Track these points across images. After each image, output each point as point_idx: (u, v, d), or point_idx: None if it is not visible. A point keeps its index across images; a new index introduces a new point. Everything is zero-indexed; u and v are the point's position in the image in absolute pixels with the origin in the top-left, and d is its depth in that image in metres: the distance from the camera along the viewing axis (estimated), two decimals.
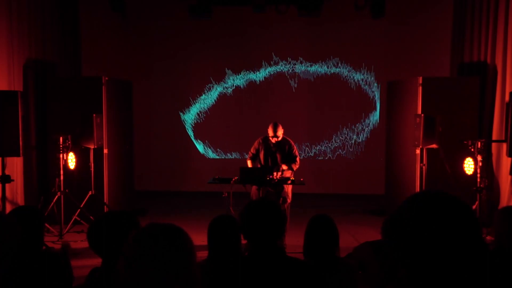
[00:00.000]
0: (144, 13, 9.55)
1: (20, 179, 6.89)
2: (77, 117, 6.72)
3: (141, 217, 7.49)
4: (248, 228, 2.45)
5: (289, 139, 6.39)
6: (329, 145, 9.70)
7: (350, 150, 9.70)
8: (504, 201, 6.90)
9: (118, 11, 8.71)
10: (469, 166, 6.57)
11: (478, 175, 6.30)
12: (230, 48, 9.65)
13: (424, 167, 6.87)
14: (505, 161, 6.88)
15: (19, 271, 2.79)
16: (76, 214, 6.61)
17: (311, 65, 9.64)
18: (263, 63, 9.69)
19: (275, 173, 6.09)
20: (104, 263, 2.34)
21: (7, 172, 6.14)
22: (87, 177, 6.87)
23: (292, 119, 9.42)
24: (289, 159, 6.30)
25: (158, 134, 9.81)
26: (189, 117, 9.86)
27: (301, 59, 9.64)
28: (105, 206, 7.03)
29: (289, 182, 6.09)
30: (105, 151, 7.20)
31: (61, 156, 6.48)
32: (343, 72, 9.60)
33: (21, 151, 6.09)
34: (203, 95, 9.80)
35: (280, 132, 6.22)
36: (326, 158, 9.72)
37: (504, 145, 6.68)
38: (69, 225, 6.56)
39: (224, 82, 9.76)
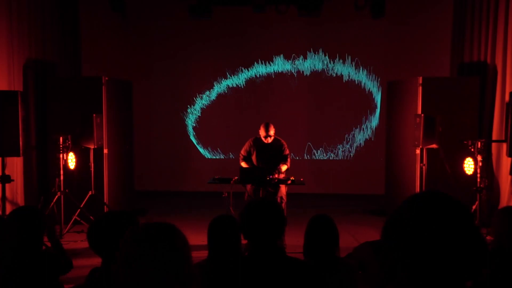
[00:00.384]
0: (144, 13, 9.55)
1: (20, 179, 6.89)
2: (77, 117, 6.72)
3: (141, 217, 7.51)
4: (248, 228, 2.45)
5: (281, 139, 6.39)
6: (329, 145, 9.70)
7: (350, 150, 9.70)
8: (504, 201, 6.90)
9: (118, 11, 8.71)
10: (469, 166, 6.57)
11: (478, 175, 6.30)
12: (230, 48, 9.64)
13: (424, 167, 6.87)
14: (505, 161, 6.88)
15: (19, 271, 2.79)
16: (76, 214, 6.61)
17: (311, 65, 9.64)
18: (263, 63, 9.69)
19: (276, 174, 6.09)
20: (104, 263, 2.34)
21: (7, 172, 6.15)
22: (87, 177, 6.87)
23: (292, 119, 9.43)
24: (282, 159, 6.30)
25: (158, 134, 9.81)
26: (189, 117, 9.86)
27: (301, 59, 9.64)
28: (105, 206, 7.03)
29: (289, 182, 6.09)
30: (105, 151, 7.20)
31: (61, 156, 6.48)
32: (343, 72, 9.59)
33: (21, 151, 6.09)
34: (203, 95, 9.80)
35: (272, 132, 6.22)
36: (326, 158, 9.72)
37: (504, 145, 6.68)
38: (69, 225, 6.56)
39: (224, 82, 9.76)
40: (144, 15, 9.58)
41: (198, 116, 9.84)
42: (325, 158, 9.71)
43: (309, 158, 9.69)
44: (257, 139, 6.36)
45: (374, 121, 9.59)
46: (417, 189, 7.09)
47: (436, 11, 8.97)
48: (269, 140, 6.23)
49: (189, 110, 9.84)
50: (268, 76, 9.69)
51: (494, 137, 7.19)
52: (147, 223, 1.54)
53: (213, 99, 9.78)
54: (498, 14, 7.11)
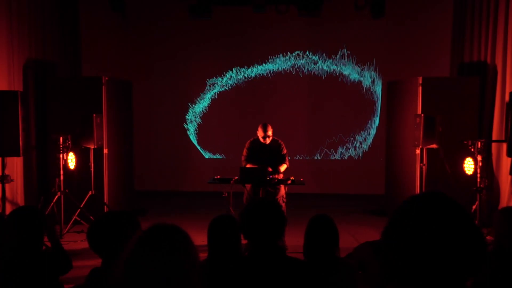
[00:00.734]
0: (144, 13, 9.55)
1: (20, 179, 6.89)
2: (77, 117, 6.71)
3: (141, 217, 7.50)
4: (248, 228, 2.44)
5: (278, 139, 6.38)
6: (329, 145, 9.70)
7: (350, 150, 9.69)
8: (504, 201, 6.90)
9: (118, 11, 8.71)
10: (469, 166, 6.56)
11: (478, 175, 6.30)
12: (230, 48, 9.64)
13: (424, 167, 6.87)
14: (505, 161, 6.88)
15: (19, 271, 2.79)
16: (76, 214, 6.60)
17: (311, 66, 9.64)
18: (263, 63, 9.68)
19: (276, 175, 6.08)
20: (104, 263, 2.34)
21: (7, 172, 6.15)
22: (87, 177, 6.87)
23: (292, 119, 9.43)
24: (280, 159, 6.29)
25: (158, 134, 9.81)
26: (189, 117, 9.85)
27: (301, 59, 9.64)
28: (105, 206, 7.03)
29: (289, 182, 6.08)
30: (105, 151, 7.20)
31: (61, 156, 6.48)
32: (343, 72, 9.59)
33: (21, 151, 6.09)
34: (203, 95, 9.80)
35: (271, 132, 6.19)
36: (326, 158, 9.72)
37: (504, 145, 6.68)
38: (69, 225, 6.56)
39: (224, 82, 9.76)
40: (144, 15, 9.58)
41: (198, 116, 9.84)
42: (325, 158, 9.71)
43: (309, 158, 9.69)
44: (255, 140, 6.33)
45: (374, 121, 9.58)
46: (417, 189, 7.09)
47: (436, 11, 8.97)
48: (268, 140, 6.21)
49: (189, 110, 9.83)
50: (268, 76, 9.69)
51: (494, 137, 7.19)
52: (153, 226, 1.50)
53: (213, 99, 9.77)
54: (498, 14, 7.11)
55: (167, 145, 9.80)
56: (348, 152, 9.70)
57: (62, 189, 6.51)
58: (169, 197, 9.29)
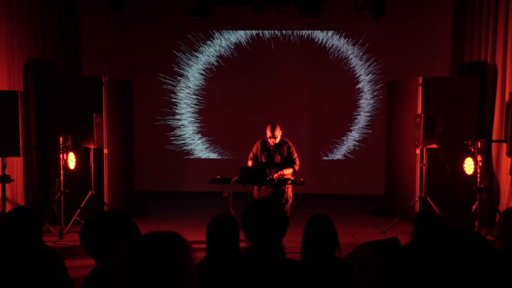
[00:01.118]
0: (144, 13, 9.55)
1: (20, 179, 6.89)
2: (77, 117, 6.72)
3: (141, 217, 7.52)
4: (249, 227, 2.43)
5: (288, 140, 6.36)
6: (329, 145, 9.70)
7: (350, 150, 9.69)
8: (504, 201, 6.90)
9: (118, 11, 8.70)
10: (469, 166, 6.56)
11: (478, 175, 6.30)
12: (230, 48, 9.63)
13: (424, 167, 6.87)
14: (505, 161, 6.88)
15: (19, 271, 2.79)
16: (76, 214, 6.60)
17: (311, 66, 9.63)
18: (263, 63, 9.67)
19: (275, 174, 6.08)
20: (97, 264, 2.30)
21: (7, 172, 6.15)
22: (87, 177, 6.87)
23: (292, 119, 9.42)
24: (289, 161, 6.28)
25: (158, 134, 9.81)
26: (189, 117, 9.85)
27: (301, 59, 9.63)
28: (105, 206, 7.03)
29: (289, 182, 6.08)
30: (105, 151, 7.20)
31: (61, 156, 6.48)
32: (343, 72, 9.59)
33: (21, 151, 6.09)
34: (203, 95, 9.79)
35: (278, 133, 6.18)
36: (326, 158, 9.72)
37: (504, 145, 6.68)
38: (69, 225, 6.55)
39: (224, 82, 9.75)
40: (144, 15, 9.58)
41: (198, 116, 9.83)
42: (325, 158, 9.71)
43: (309, 158, 9.68)
44: (264, 141, 6.34)
45: (374, 121, 9.58)
46: (417, 189, 7.10)
47: (436, 11, 8.97)
48: (275, 141, 6.20)
49: (189, 110, 9.83)
50: (268, 76, 9.68)
51: (494, 137, 7.19)
52: (148, 234, 1.42)
53: (213, 99, 9.77)
54: (498, 14, 7.11)
55: (167, 145, 9.80)
56: (348, 152, 9.69)
57: (62, 189, 6.51)
58: (169, 197, 9.28)
